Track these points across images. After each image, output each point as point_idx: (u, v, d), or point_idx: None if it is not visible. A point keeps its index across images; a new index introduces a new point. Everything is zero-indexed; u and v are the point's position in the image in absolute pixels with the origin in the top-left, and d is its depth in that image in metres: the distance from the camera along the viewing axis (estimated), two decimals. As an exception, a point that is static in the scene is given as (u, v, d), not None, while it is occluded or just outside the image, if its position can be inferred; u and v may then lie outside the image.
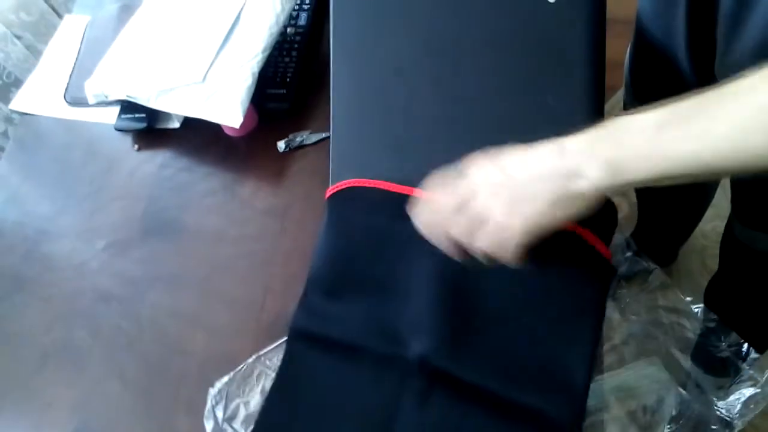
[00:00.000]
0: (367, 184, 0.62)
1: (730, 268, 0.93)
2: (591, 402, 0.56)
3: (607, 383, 0.74)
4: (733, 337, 0.76)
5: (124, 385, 0.69)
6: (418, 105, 0.62)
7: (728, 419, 0.70)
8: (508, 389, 0.54)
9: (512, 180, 0.48)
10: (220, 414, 0.60)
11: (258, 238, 0.74)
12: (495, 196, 0.49)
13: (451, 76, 0.61)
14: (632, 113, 0.44)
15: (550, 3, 0.58)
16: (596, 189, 0.45)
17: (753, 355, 0.71)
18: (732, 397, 0.71)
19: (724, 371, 0.79)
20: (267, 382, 0.62)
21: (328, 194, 0.65)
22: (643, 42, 0.76)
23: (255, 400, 0.61)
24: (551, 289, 0.57)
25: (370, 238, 0.61)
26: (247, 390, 0.62)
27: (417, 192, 0.56)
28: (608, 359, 0.71)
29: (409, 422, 0.54)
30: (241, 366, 0.62)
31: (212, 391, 0.61)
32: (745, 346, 0.76)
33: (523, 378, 0.54)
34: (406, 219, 0.56)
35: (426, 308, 0.57)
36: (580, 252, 0.57)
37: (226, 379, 0.62)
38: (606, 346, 0.70)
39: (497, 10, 0.60)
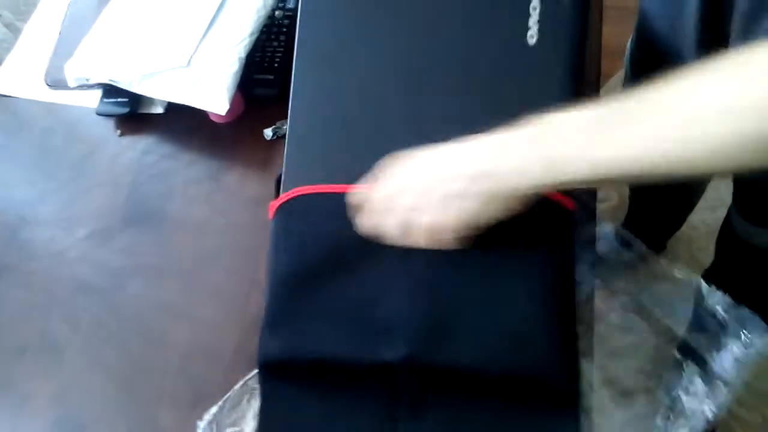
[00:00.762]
0: (311, 191, 0.59)
1: (727, 261, 0.93)
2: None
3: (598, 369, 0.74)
4: (729, 302, 0.76)
5: (105, 378, 0.67)
6: (379, 118, 0.60)
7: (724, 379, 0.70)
8: (498, 365, 0.52)
9: (442, 180, 0.48)
10: None
11: (244, 229, 0.73)
12: (424, 196, 0.49)
13: (417, 95, 0.59)
14: (573, 110, 0.43)
15: (529, 46, 0.57)
16: (533, 187, 0.45)
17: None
18: (724, 354, 0.70)
19: (720, 339, 0.79)
20: (258, 404, 0.60)
21: (272, 211, 0.61)
22: (646, 36, 0.75)
23: (249, 427, 0.59)
24: (516, 254, 0.55)
25: (324, 247, 0.58)
26: (238, 418, 0.59)
27: (354, 188, 0.55)
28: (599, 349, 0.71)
29: (411, 429, 0.53)
30: (228, 394, 0.60)
31: (201, 425, 0.59)
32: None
33: (511, 349, 0.53)
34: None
35: (398, 305, 0.55)
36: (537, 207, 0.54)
37: (214, 409, 0.59)
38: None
39: (472, 38, 0.58)
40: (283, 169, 0.61)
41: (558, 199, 0.54)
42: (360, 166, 0.55)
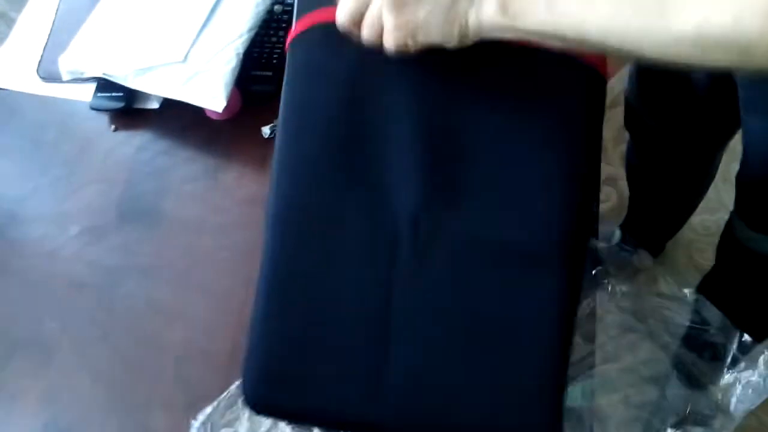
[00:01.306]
0: (330, 18, 0.52)
1: (727, 267, 0.92)
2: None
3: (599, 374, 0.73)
4: (725, 322, 0.76)
5: (96, 379, 0.66)
6: None
7: (725, 408, 0.69)
8: (506, 234, 0.51)
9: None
10: None
11: (240, 228, 0.71)
12: (388, 9, 0.47)
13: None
14: None
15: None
16: (485, 24, 0.45)
17: (746, 338, 0.70)
18: (726, 383, 0.70)
19: (716, 357, 0.78)
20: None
21: (289, 39, 0.56)
22: None
23: (244, 428, 0.58)
24: (537, 111, 0.52)
25: (341, 78, 0.54)
26: (233, 419, 0.58)
27: None
28: (599, 353, 0.70)
29: (407, 289, 0.51)
30: (224, 394, 0.58)
31: (195, 424, 0.58)
32: (738, 332, 0.75)
33: (520, 220, 0.51)
34: (378, 58, 0.51)
35: (410, 157, 0.52)
36: (565, 64, 0.52)
37: (209, 410, 0.58)
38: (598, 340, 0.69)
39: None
40: None
41: (592, 63, 0.52)
42: None
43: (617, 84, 0.96)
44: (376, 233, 0.52)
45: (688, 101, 0.75)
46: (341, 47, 0.52)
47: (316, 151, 0.53)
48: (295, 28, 0.56)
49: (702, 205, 1.16)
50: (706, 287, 1.00)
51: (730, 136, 0.83)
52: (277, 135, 0.55)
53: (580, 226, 0.52)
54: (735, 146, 0.78)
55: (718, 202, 1.25)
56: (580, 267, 0.52)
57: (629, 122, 0.92)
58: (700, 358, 0.83)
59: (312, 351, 0.51)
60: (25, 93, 0.85)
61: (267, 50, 0.79)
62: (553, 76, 0.52)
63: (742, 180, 0.75)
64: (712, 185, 1.10)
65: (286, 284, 0.53)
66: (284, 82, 0.55)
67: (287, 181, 0.54)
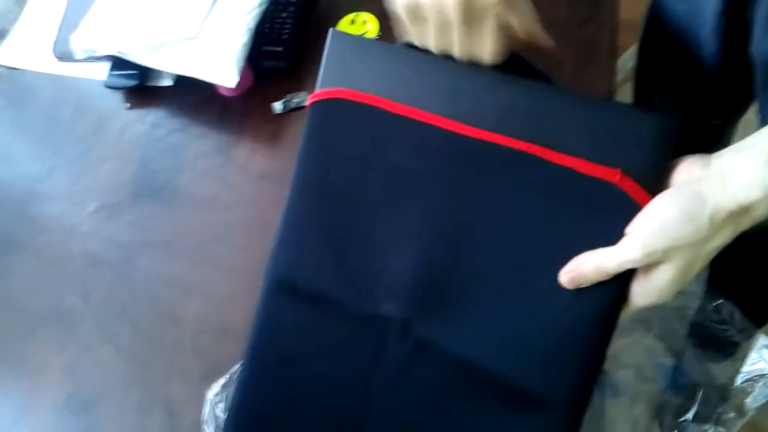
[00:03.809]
0: (357, 98, 0.50)
1: (742, 244, 0.91)
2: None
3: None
4: (731, 313, 0.75)
5: (117, 352, 0.67)
6: None
7: (739, 403, 0.69)
8: (504, 367, 0.47)
9: None
10: (221, 414, 0.58)
11: (254, 204, 0.72)
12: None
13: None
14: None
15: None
16: None
17: (764, 341, 0.69)
18: (742, 380, 0.69)
19: (722, 350, 0.78)
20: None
21: (309, 101, 0.52)
22: (661, 17, 0.72)
23: None
24: (568, 245, 0.45)
25: (354, 165, 0.50)
26: None
27: (421, 115, 0.48)
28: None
29: (387, 395, 0.49)
30: (237, 366, 0.59)
31: (209, 394, 0.59)
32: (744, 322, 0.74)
33: (522, 355, 0.47)
34: (397, 148, 0.49)
35: (410, 261, 0.49)
36: (613, 205, 0.45)
37: (222, 380, 0.59)
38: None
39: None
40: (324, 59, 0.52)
41: (632, 194, 0.44)
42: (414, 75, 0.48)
43: (630, 60, 0.95)
44: (363, 332, 0.50)
45: (697, 80, 0.73)
46: (361, 130, 0.50)
47: (316, 234, 0.51)
48: (318, 92, 0.52)
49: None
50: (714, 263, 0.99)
51: (739, 112, 0.82)
52: (286, 200, 0.52)
53: (591, 372, 0.46)
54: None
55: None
56: (579, 419, 0.47)
57: (638, 100, 0.91)
58: (704, 350, 0.83)
59: None
60: (40, 73, 0.86)
61: (277, 25, 0.79)
62: (581, 198, 0.45)
63: None
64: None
65: (266, 369, 0.52)
66: (299, 149, 0.52)
67: (282, 260, 0.52)
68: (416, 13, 0.45)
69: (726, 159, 0.41)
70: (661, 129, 0.45)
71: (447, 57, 0.48)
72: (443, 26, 0.45)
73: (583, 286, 0.45)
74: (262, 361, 0.52)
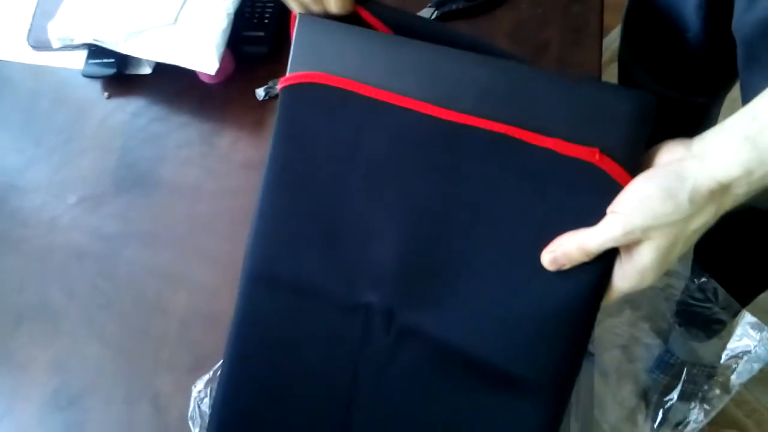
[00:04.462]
0: (330, 82, 0.48)
1: (726, 223, 0.92)
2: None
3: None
4: (715, 291, 0.75)
5: (103, 345, 0.66)
6: None
7: (724, 381, 0.70)
8: (488, 351, 0.47)
9: None
10: (207, 410, 0.57)
11: (238, 193, 0.71)
12: None
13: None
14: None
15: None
16: None
17: (748, 319, 0.69)
18: (726, 358, 0.70)
19: (707, 328, 0.78)
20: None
21: (280, 85, 0.50)
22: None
23: None
24: (550, 227, 0.45)
25: (331, 151, 0.49)
26: None
27: (398, 99, 0.47)
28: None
29: (372, 383, 0.49)
30: (221, 362, 0.59)
31: (194, 391, 0.58)
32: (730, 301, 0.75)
33: (506, 338, 0.46)
34: (376, 131, 0.48)
35: (391, 248, 0.48)
36: (592, 185, 0.44)
37: (207, 377, 0.59)
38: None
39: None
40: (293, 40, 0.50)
41: (611, 173, 0.44)
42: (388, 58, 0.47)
43: (616, 40, 0.95)
44: (347, 321, 0.49)
45: (681, 57, 0.73)
46: (337, 116, 0.49)
47: (295, 224, 0.50)
48: (289, 77, 0.50)
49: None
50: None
51: (723, 89, 0.82)
52: (259, 191, 0.51)
53: (575, 353, 0.46)
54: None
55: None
56: (565, 401, 0.47)
57: (623, 79, 0.91)
58: (689, 328, 0.83)
59: (268, 428, 0.51)
60: (16, 62, 0.84)
61: (258, 9, 0.77)
62: (561, 179, 0.45)
63: None
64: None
65: (248, 362, 0.51)
66: (272, 136, 0.51)
67: (259, 251, 0.51)
68: None
69: (707, 140, 0.41)
70: (638, 105, 0.44)
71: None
72: None
73: (566, 267, 0.44)
74: (244, 354, 0.52)
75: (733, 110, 0.42)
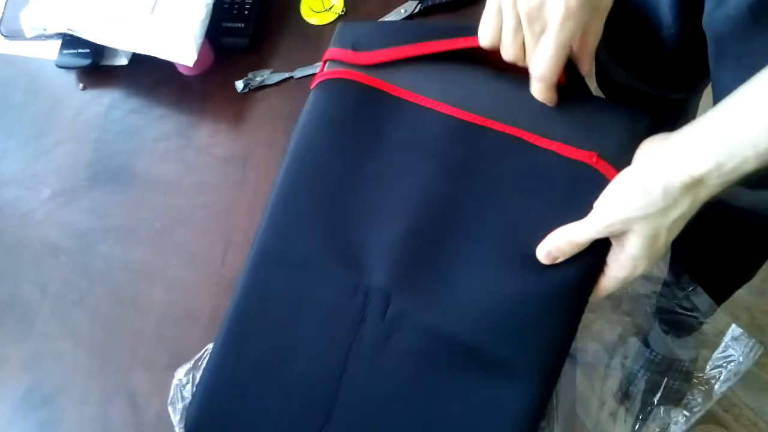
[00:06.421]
0: (362, 80, 0.53)
1: (703, 223, 0.92)
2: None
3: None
4: (694, 289, 0.75)
5: (78, 343, 0.65)
6: None
7: (707, 388, 0.70)
8: (478, 337, 0.49)
9: None
10: (188, 395, 0.56)
11: (217, 187, 0.70)
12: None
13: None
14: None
15: None
16: None
17: (734, 332, 0.70)
18: (710, 368, 0.70)
19: (685, 327, 0.79)
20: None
21: (315, 81, 0.55)
22: None
23: None
24: (547, 222, 0.48)
25: (354, 142, 0.53)
26: None
27: (421, 99, 0.53)
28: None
29: (363, 365, 0.50)
30: (203, 351, 0.58)
31: (174, 379, 0.57)
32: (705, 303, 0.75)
33: (496, 326, 0.48)
34: (397, 125, 0.52)
35: (395, 233, 0.51)
36: (589, 184, 0.48)
37: (188, 365, 0.58)
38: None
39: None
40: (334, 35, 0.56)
41: (606, 174, 0.48)
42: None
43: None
44: (345, 301, 0.51)
45: (658, 53, 0.73)
46: (365, 110, 0.53)
47: (306, 205, 0.52)
48: (324, 73, 0.55)
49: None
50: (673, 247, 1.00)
51: (699, 85, 0.82)
52: (277, 177, 0.54)
53: (562, 343, 0.49)
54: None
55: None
56: (551, 387, 0.49)
57: (600, 78, 0.91)
58: (668, 330, 0.83)
59: (253, 410, 0.51)
60: (-13, 52, 0.82)
61: (239, 1, 0.76)
62: (561, 178, 0.49)
63: None
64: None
65: (245, 335, 0.52)
66: (300, 123, 0.54)
67: (272, 229, 0.53)
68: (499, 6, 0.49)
69: (681, 135, 0.45)
70: (633, 120, 0.51)
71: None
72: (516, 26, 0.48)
73: (560, 260, 0.48)
74: (242, 328, 0.52)
75: (709, 106, 0.45)
